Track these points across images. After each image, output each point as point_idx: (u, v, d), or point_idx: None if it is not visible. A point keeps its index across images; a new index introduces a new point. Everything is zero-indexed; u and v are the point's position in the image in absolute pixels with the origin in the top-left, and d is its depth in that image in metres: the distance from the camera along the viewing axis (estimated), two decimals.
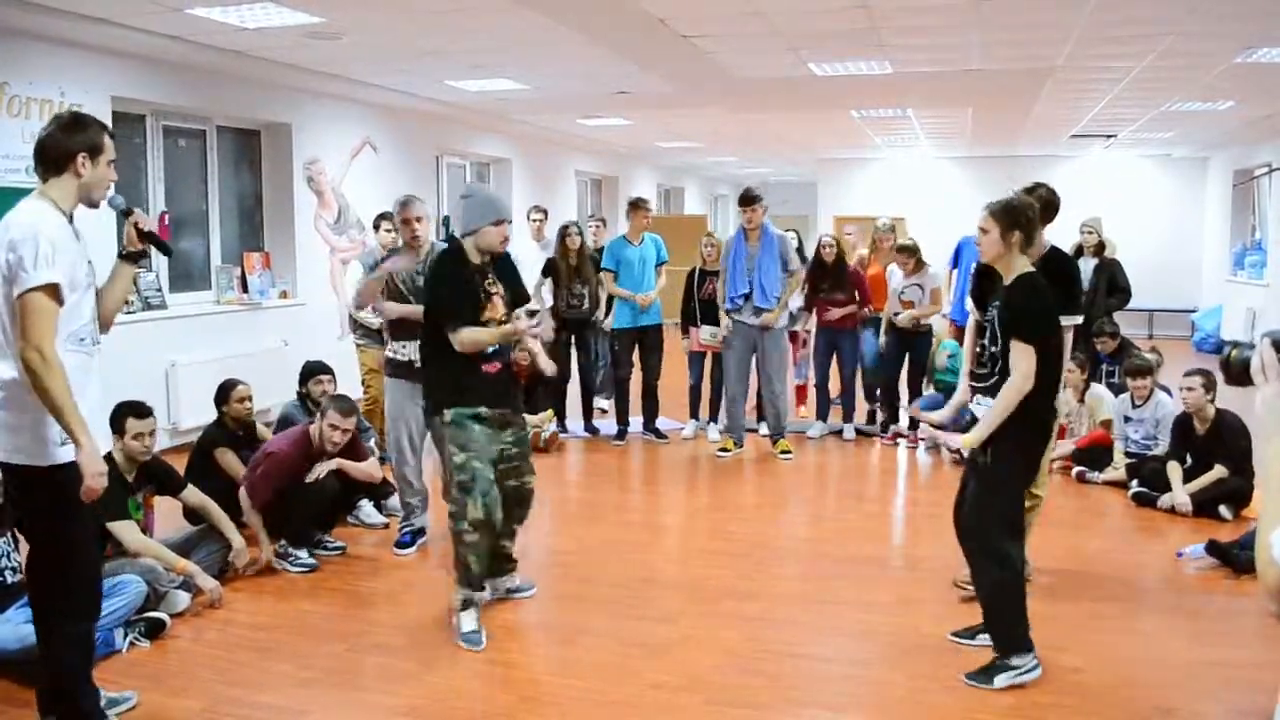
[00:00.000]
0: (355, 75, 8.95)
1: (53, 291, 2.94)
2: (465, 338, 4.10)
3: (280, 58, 7.98)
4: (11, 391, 3.01)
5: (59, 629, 3.18)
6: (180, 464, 5.19)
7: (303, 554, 4.99)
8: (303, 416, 5.71)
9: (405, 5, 6.36)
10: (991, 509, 3.75)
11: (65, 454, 3.02)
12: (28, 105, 6.35)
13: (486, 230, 4.20)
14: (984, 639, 3.86)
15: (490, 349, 4.22)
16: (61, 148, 3.08)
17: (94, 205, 3.23)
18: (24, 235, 2.94)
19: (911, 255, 7.62)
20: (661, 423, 8.02)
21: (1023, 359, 3.61)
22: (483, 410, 4.18)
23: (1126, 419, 6.67)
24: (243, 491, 4.98)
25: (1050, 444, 4.13)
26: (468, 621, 4.16)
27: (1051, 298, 3.74)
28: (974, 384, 3.89)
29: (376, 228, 7.25)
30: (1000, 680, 3.67)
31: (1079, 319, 4.62)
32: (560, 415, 8.02)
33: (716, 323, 7.59)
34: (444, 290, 4.22)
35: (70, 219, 3.11)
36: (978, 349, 3.87)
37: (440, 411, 4.20)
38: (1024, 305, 3.68)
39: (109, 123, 6.58)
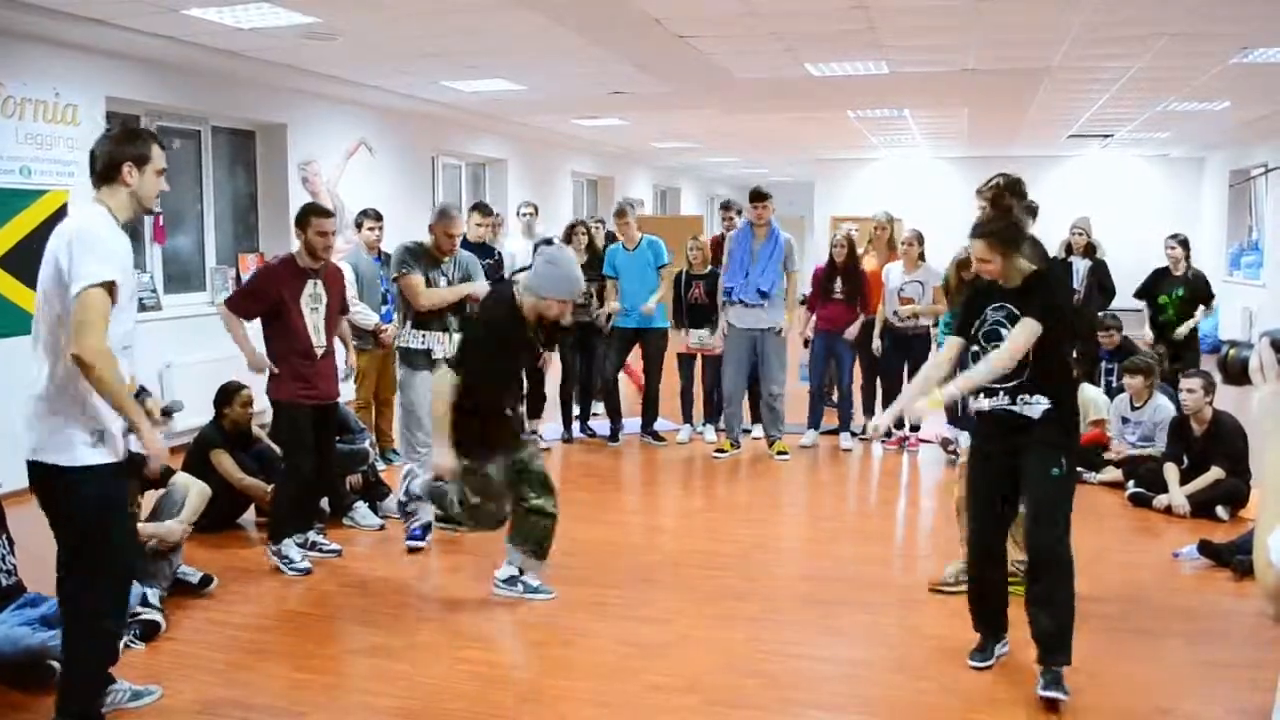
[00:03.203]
0: (351, 76, 8.94)
1: (109, 289, 2.99)
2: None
3: (275, 58, 7.97)
4: (45, 391, 3.05)
5: (88, 626, 3.19)
6: (175, 466, 5.16)
7: (296, 557, 4.94)
8: None
9: (401, 6, 6.34)
10: (1063, 518, 3.65)
11: (95, 455, 3.06)
12: (22, 106, 6.32)
13: (553, 303, 4.36)
14: (999, 649, 3.84)
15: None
16: (108, 157, 3.17)
17: (149, 213, 3.36)
18: (80, 236, 3.02)
19: (914, 246, 7.44)
20: (659, 425, 8.01)
21: (1022, 331, 3.58)
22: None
23: (1124, 419, 6.67)
24: (222, 305, 5.00)
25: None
26: (425, 513, 4.85)
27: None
28: (1002, 385, 3.71)
29: (359, 226, 7.26)
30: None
31: None
32: (567, 419, 8.01)
33: (703, 326, 7.59)
34: (499, 339, 4.45)
35: (125, 228, 3.18)
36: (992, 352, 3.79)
37: (460, 457, 4.44)
38: (1051, 294, 3.71)
39: (102, 123, 6.64)
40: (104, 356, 2.94)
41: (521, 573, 4.64)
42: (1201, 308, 7.91)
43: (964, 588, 4.51)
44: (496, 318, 4.46)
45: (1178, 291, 7.92)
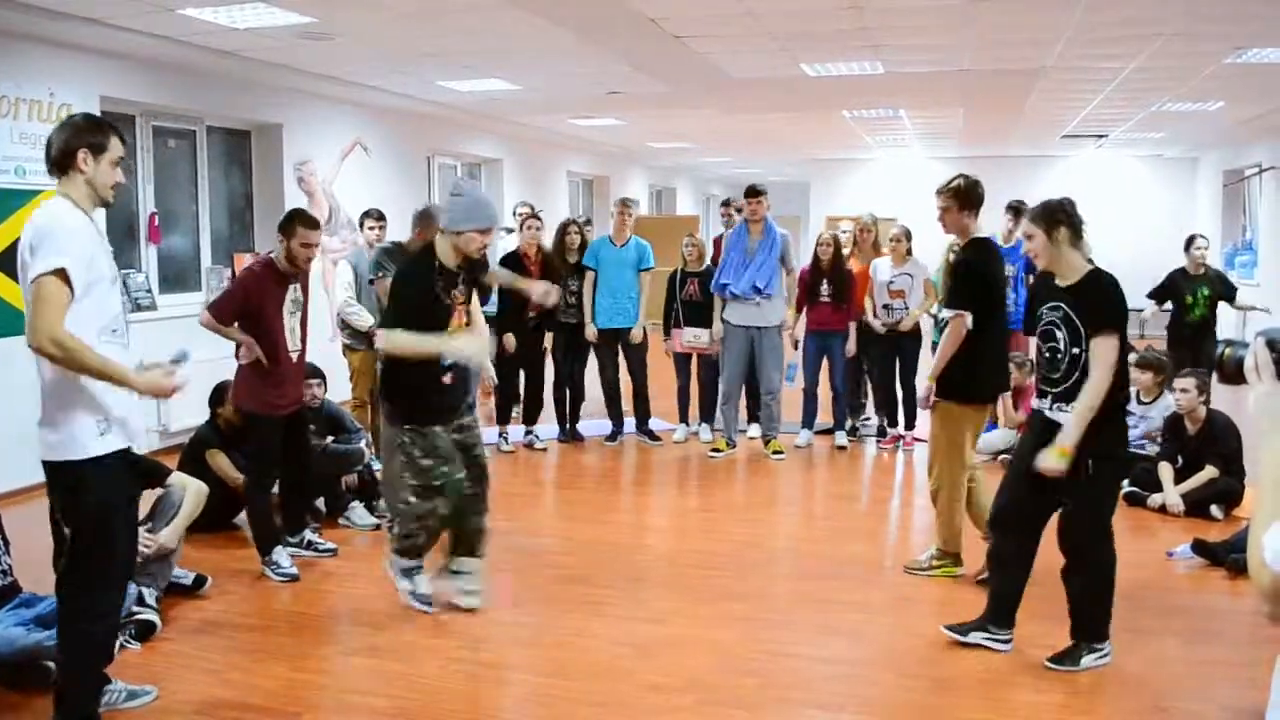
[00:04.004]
0: (346, 76, 8.93)
1: (61, 276, 2.96)
2: (397, 341, 4.10)
3: (271, 58, 7.96)
4: (47, 387, 3.05)
5: (85, 628, 3.18)
6: (170, 465, 5.15)
7: (285, 563, 4.91)
8: None
9: (397, 6, 6.34)
10: (1099, 520, 3.82)
11: (101, 446, 3.06)
12: (16, 106, 6.31)
13: (471, 235, 4.12)
14: (976, 636, 4.00)
15: (446, 360, 4.18)
16: (64, 144, 3.12)
17: (107, 205, 3.27)
18: (40, 229, 3.00)
19: (902, 242, 7.47)
20: (653, 424, 8.00)
21: (1108, 352, 3.63)
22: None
23: (1128, 413, 6.68)
24: (206, 313, 4.85)
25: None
26: (422, 584, 4.40)
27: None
28: (1047, 388, 3.85)
29: (361, 225, 7.25)
30: (1086, 661, 3.82)
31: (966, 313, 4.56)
32: (561, 419, 7.99)
33: (698, 324, 7.58)
34: (408, 293, 4.19)
35: (90, 216, 3.15)
36: (1046, 354, 3.84)
37: (399, 425, 4.25)
38: (1107, 295, 3.71)
39: None
40: (59, 339, 2.92)
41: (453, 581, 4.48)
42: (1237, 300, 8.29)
43: (936, 571, 4.88)
44: (406, 269, 4.30)
45: (1203, 290, 8.07)
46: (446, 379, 4.23)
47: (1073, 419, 3.67)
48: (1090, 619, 3.88)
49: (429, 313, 4.16)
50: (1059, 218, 3.75)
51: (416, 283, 4.20)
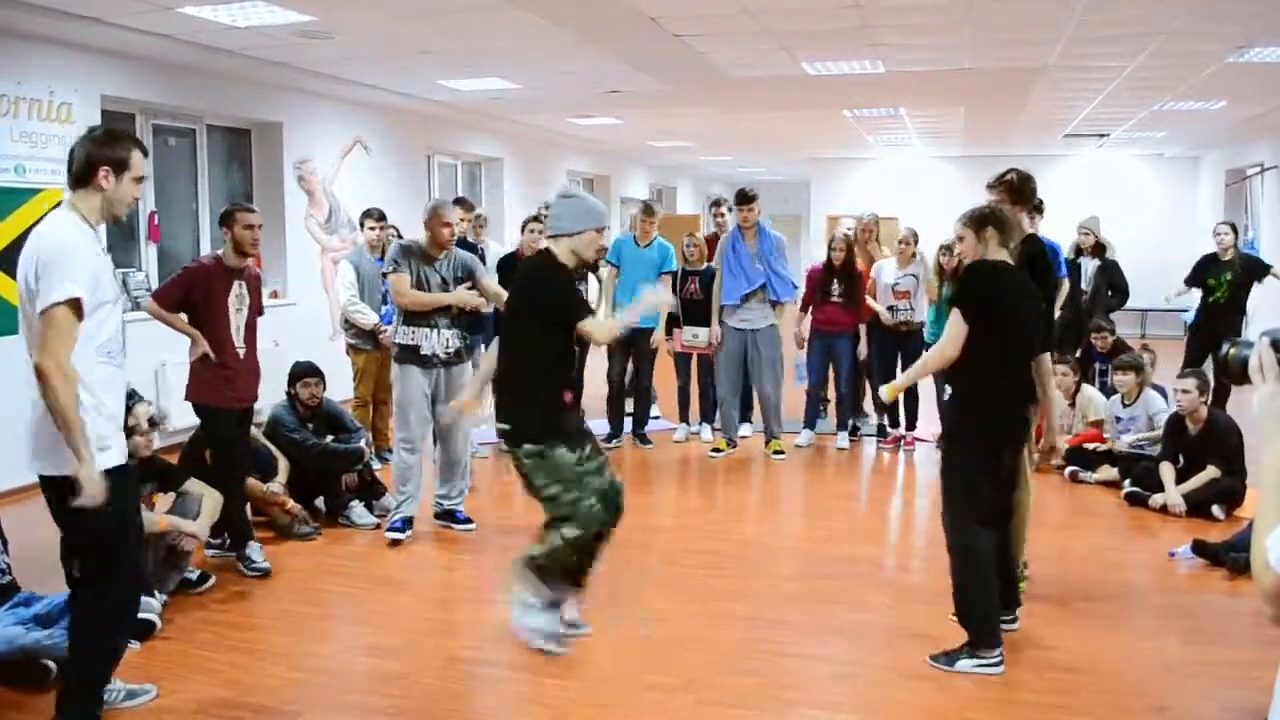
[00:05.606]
0: (346, 74, 8.92)
1: (74, 306, 2.94)
2: (594, 327, 4.02)
3: (271, 57, 7.95)
4: (41, 403, 3.01)
5: (99, 640, 3.18)
6: (170, 463, 5.15)
7: (258, 558, 4.91)
8: (291, 418, 5.69)
9: (397, 5, 6.33)
10: (950, 503, 3.95)
11: (101, 462, 3.01)
12: (16, 105, 6.31)
13: (589, 235, 4.05)
14: (964, 664, 3.80)
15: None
16: (85, 159, 3.09)
17: (119, 220, 3.26)
18: (49, 253, 2.96)
19: (910, 244, 7.46)
20: (655, 424, 7.98)
21: (949, 324, 3.87)
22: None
23: (1117, 419, 6.69)
24: (150, 299, 4.87)
25: (1027, 446, 4.19)
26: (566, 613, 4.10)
27: (1007, 286, 3.90)
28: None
29: (361, 225, 7.25)
30: (961, 665, 3.78)
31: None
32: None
33: (699, 323, 7.56)
34: (569, 295, 4.00)
35: (96, 232, 3.13)
36: None
37: (521, 444, 3.93)
38: (967, 279, 3.95)
39: (97, 122, 6.62)
40: (61, 375, 2.89)
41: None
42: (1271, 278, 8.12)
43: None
44: (542, 265, 4.06)
45: (1226, 275, 8.09)
46: (567, 398, 4.08)
47: (911, 370, 4.19)
48: (964, 619, 3.86)
49: (581, 313, 4.04)
50: (989, 222, 3.97)
51: (563, 285, 4.02)
